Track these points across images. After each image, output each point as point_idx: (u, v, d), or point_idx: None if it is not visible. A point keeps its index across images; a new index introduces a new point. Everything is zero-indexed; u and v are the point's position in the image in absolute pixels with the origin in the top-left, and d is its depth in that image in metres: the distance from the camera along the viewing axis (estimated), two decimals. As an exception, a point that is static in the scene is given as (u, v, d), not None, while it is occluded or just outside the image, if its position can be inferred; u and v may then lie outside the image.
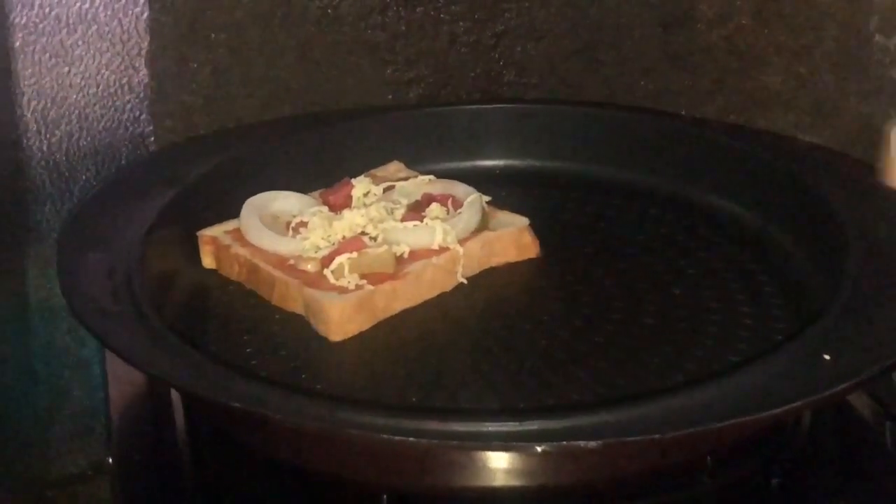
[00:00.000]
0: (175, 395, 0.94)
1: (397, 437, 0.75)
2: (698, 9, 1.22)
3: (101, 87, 1.13)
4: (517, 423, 0.76)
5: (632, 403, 0.80)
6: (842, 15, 1.17)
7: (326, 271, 0.98)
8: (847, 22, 1.18)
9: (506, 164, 1.17)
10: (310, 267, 0.99)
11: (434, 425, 0.77)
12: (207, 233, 1.03)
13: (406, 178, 1.09)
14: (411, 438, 0.75)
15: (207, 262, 1.03)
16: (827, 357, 0.82)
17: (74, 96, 1.12)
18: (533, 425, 0.76)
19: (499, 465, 0.80)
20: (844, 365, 0.82)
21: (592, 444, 0.74)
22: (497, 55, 1.23)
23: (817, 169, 1.07)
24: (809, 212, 1.01)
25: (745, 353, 0.90)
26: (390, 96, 1.22)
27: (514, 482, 0.81)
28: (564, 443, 0.75)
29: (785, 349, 0.85)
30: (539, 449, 0.75)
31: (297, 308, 0.97)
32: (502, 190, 1.11)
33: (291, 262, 1.00)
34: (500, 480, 0.81)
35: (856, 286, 0.90)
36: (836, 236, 0.96)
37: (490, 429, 0.76)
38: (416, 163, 1.12)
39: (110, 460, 0.94)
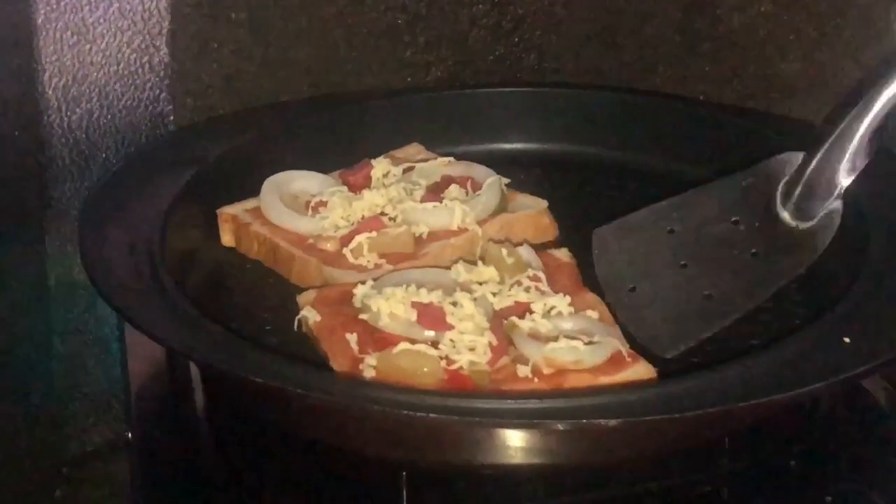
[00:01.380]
0: (194, 372, 0.94)
1: (418, 414, 0.75)
2: (719, -7, 1.22)
3: (121, 66, 1.13)
4: (538, 401, 0.76)
5: (651, 384, 0.81)
6: (862, 3, 1.17)
7: (345, 250, 0.98)
8: (867, 10, 1.17)
9: (524, 147, 1.17)
10: (329, 246, 0.99)
11: (455, 402, 0.77)
12: (227, 210, 1.04)
13: (425, 160, 1.09)
14: (432, 415, 0.75)
15: (227, 239, 1.04)
16: (846, 340, 0.82)
17: (95, 74, 1.12)
18: (553, 403, 0.76)
19: (519, 442, 0.80)
20: (863, 348, 0.82)
21: (613, 422, 0.74)
22: (516, 39, 1.23)
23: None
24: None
25: (764, 337, 0.91)
26: (409, 78, 1.22)
27: (533, 460, 0.81)
28: (584, 420, 0.75)
29: (804, 332, 0.85)
30: (560, 426, 0.75)
31: (316, 286, 0.97)
32: (521, 173, 1.11)
33: (311, 240, 1.00)
34: (519, 458, 0.81)
35: (875, 270, 0.90)
36: (856, 221, 0.96)
37: (511, 406, 0.76)
38: (436, 145, 1.12)
39: (130, 436, 0.94)
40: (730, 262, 0.95)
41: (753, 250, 0.96)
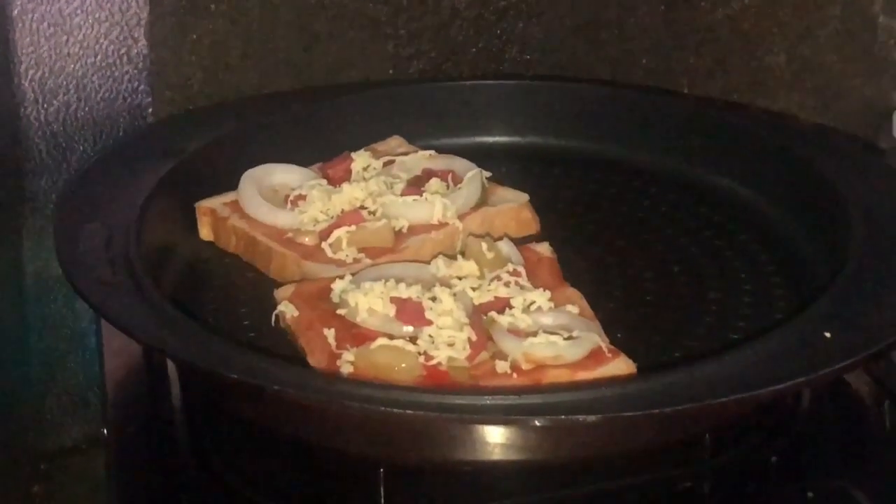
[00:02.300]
0: (171, 368, 0.93)
1: (395, 410, 0.75)
2: (702, -14, 1.21)
3: (99, 57, 1.12)
4: (516, 397, 0.76)
5: (630, 379, 0.80)
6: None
7: (324, 245, 0.97)
8: (851, 3, 1.17)
9: (507, 140, 1.16)
10: (308, 240, 0.98)
11: (432, 398, 0.76)
12: (205, 204, 1.03)
13: (406, 153, 1.08)
14: (409, 411, 0.75)
15: (205, 233, 1.03)
16: (828, 335, 0.82)
17: (72, 66, 1.11)
18: (532, 399, 0.76)
19: (497, 438, 0.80)
20: (845, 343, 0.81)
21: (591, 418, 0.74)
22: (499, 31, 1.23)
23: (820, 148, 1.06)
24: (811, 191, 1.01)
25: (745, 331, 0.90)
26: (391, 70, 1.21)
27: (512, 456, 0.81)
28: (563, 417, 0.74)
29: (786, 327, 0.85)
30: (538, 423, 0.74)
31: (295, 280, 0.96)
32: (503, 166, 1.10)
33: (289, 234, 0.99)
34: (498, 454, 0.80)
35: (857, 265, 0.89)
36: (838, 215, 0.96)
37: (489, 402, 0.76)
38: (417, 138, 1.11)
39: (105, 432, 0.93)
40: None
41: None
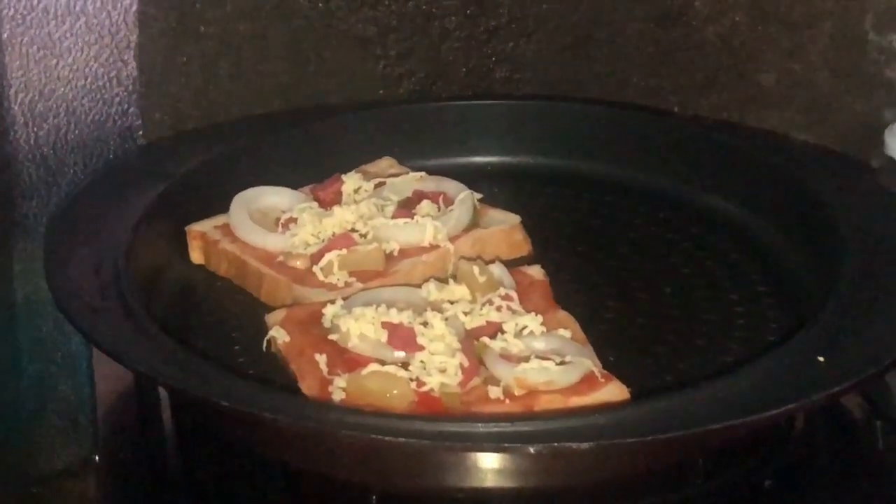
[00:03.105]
0: (162, 392, 0.93)
1: (387, 438, 0.74)
2: (692, 5, 1.21)
3: (89, 80, 1.11)
4: (509, 424, 0.75)
5: (623, 406, 0.80)
6: (837, 13, 1.17)
7: (315, 268, 0.97)
8: (842, 20, 1.17)
9: (498, 160, 1.16)
10: (299, 264, 0.98)
11: (425, 426, 0.76)
12: (196, 228, 1.02)
13: (397, 175, 1.08)
14: (401, 439, 0.74)
15: (196, 257, 1.02)
16: (821, 359, 0.82)
17: (62, 89, 1.11)
18: (524, 426, 0.75)
19: (490, 465, 0.80)
20: (839, 367, 0.81)
21: (584, 445, 0.74)
22: (489, 50, 1.23)
23: (812, 167, 1.06)
24: (804, 210, 1.01)
25: (737, 354, 0.90)
26: (381, 91, 1.21)
27: (505, 483, 0.80)
28: (556, 444, 0.74)
29: (778, 351, 0.85)
30: (531, 450, 0.74)
31: (286, 305, 0.95)
32: (494, 186, 1.11)
33: (280, 258, 0.99)
34: (491, 481, 0.80)
35: (851, 286, 0.89)
36: (831, 235, 0.96)
37: (481, 430, 0.75)
38: (408, 158, 1.11)
39: (97, 458, 0.93)
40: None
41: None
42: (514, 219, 1.04)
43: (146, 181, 1.04)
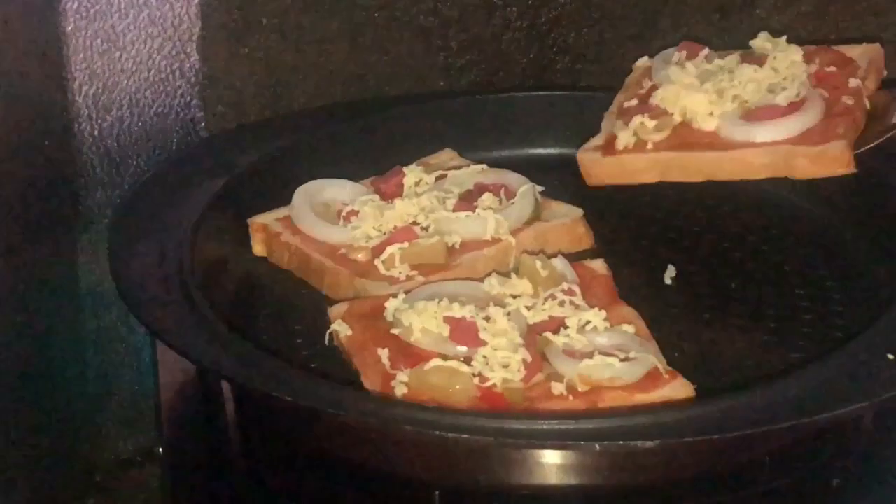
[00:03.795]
0: (225, 384, 0.94)
1: (451, 435, 0.74)
2: (757, -6, 1.20)
3: (152, 73, 1.12)
4: (574, 422, 0.75)
5: (688, 404, 0.79)
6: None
7: (377, 261, 0.97)
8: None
9: (560, 152, 1.15)
10: (361, 256, 0.98)
11: (490, 422, 0.76)
12: (258, 220, 1.03)
13: (458, 167, 1.07)
14: (466, 436, 0.74)
15: (258, 249, 1.03)
16: (891, 356, 0.80)
17: (126, 81, 1.12)
18: (589, 424, 0.75)
19: (554, 463, 0.79)
20: (909, 365, 0.80)
21: (649, 443, 0.73)
22: (550, 41, 1.22)
23: (884, 158, 1.04)
24: (874, 205, 1.00)
25: (805, 351, 0.89)
26: (442, 83, 1.21)
27: (568, 480, 0.80)
28: (621, 442, 0.73)
29: (846, 348, 0.83)
30: (597, 447, 0.73)
31: (349, 297, 0.95)
32: (556, 179, 1.09)
33: (342, 251, 0.99)
34: (554, 479, 0.80)
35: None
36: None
37: (546, 427, 0.75)
38: (469, 150, 1.11)
39: (160, 449, 0.93)
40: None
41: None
42: (577, 212, 1.03)
43: (208, 174, 1.05)
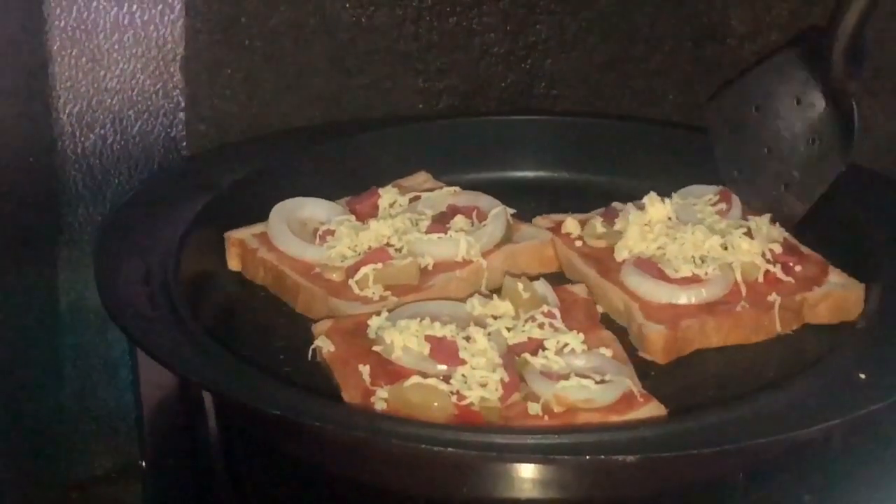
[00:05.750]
0: (207, 398, 0.95)
1: (436, 448, 0.75)
2: (729, 23, 1.22)
3: (136, 92, 1.13)
4: (556, 436, 0.77)
5: (668, 420, 0.81)
6: (872, 33, 1.18)
7: (351, 281, 0.98)
8: (878, 40, 1.18)
9: (535, 175, 1.17)
10: (335, 276, 0.99)
11: (473, 436, 0.77)
12: (235, 235, 1.03)
13: (432, 189, 1.09)
14: (450, 449, 0.75)
15: (233, 263, 1.03)
16: (862, 376, 0.83)
17: (110, 100, 1.13)
18: (571, 439, 0.77)
19: (537, 476, 0.81)
20: (879, 384, 0.82)
21: (630, 458, 0.75)
22: (528, 66, 1.24)
23: (847, 185, 1.07)
24: (840, 227, 1.02)
25: (777, 374, 0.90)
26: (421, 105, 1.22)
27: (551, 494, 0.81)
28: (603, 456, 0.75)
29: (818, 368, 0.85)
30: (580, 461, 0.75)
31: (322, 317, 0.96)
32: (530, 201, 1.11)
33: (317, 270, 1.00)
34: (537, 492, 0.81)
35: (889, 304, 0.90)
36: (865, 251, 0.97)
37: (530, 441, 0.76)
38: (445, 173, 1.12)
39: (143, 463, 0.94)
40: (798, 151, 1.04)
41: (812, 138, 1.03)
42: (547, 234, 1.05)
43: (191, 192, 1.05)
